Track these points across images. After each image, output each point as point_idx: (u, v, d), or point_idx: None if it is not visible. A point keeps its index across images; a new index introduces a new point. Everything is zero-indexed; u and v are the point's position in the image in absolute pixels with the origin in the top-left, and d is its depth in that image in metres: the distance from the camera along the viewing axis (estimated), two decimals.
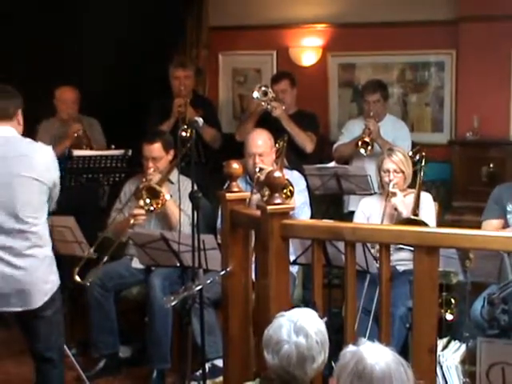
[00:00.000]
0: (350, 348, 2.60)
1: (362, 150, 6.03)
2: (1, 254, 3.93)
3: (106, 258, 4.99)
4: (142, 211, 5.20)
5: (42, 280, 4.04)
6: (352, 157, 6.25)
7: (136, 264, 5.35)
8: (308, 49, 7.28)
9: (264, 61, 7.49)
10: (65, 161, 5.90)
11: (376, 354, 2.57)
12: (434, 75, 7.07)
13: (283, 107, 6.22)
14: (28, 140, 4.10)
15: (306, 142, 6.24)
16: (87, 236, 5.15)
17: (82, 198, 6.10)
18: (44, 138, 6.35)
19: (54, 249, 5.16)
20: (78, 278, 4.88)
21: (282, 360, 2.83)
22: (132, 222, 5.21)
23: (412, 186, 5.27)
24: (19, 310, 4.00)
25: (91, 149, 6.27)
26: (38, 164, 4.00)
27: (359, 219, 5.23)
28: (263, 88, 6.19)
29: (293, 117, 6.26)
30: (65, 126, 6.43)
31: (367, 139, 6.02)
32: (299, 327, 2.85)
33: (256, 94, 6.18)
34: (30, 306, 4.00)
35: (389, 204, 5.07)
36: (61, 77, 6.58)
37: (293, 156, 6.01)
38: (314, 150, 6.27)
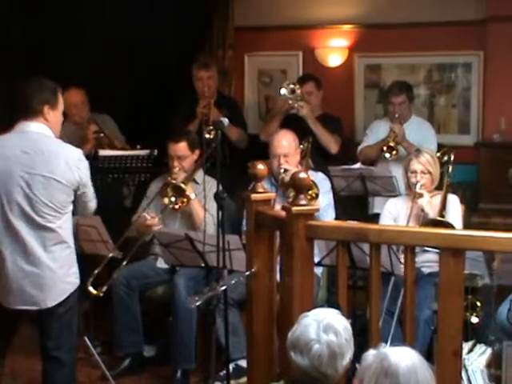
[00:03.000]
0: (372, 351, 2.62)
1: (387, 155, 6.00)
2: (22, 251, 3.95)
3: (128, 257, 5.01)
4: (155, 221, 5.21)
5: (61, 280, 4.05)
6: (377, 158, 6.23)
7: (161, 264, 5.37)
8: (334, 50, 7.27)
9: (290, 62, 7.49)
10: (90, 161, 5.93)
11: (399, 352, 2.61)
12: (461, 76, 7.03)
13: (309, 107, 6.21)
14: (55, 140, 4.10)
15: (331, 144, 6.23)
16: (113, 236, 5.17)
17: (107, 197, 6.12)
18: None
19: (78, 248, 5.21)
20: (92, 289, 4.85)
21: (313, 360, 2.82)
22: (156, 220, 5.24)
23: (439, 187, 5.24)
24: (35, 308, 4.02)
25: (113, 147, 6.27)
26: (60, 165, 3.99)
27: (386, 220, 5.21)
28: (291, 85, 6.18)
29: (318, 120, 6.25)
30: (81, 130, 6.40)
31: (392, 143, 5.99)
32: (327, 325, 2.85)
33: (284, 91, 6.17)
34: (45, 305, 4.02)
35: (415, 205, 5.05)
36: (83, 76, 6.59)
37: (318, 157, 6.00)
38: (338, 151, 6.26)
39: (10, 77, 5.44)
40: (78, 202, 4.17)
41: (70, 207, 4.12)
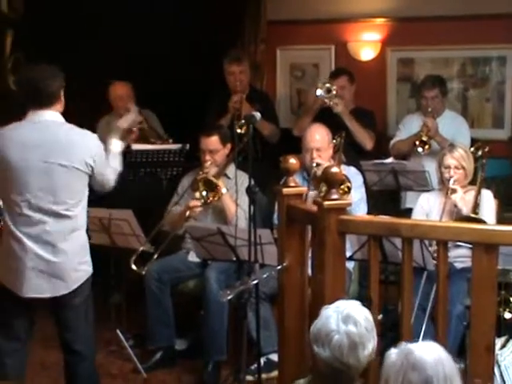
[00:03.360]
0: (394, 349, 2.62)
1: (420, 149, 5.96)
2: (39, 238, 3.96)
3: (160, 250, 5.05)
4: (198, 203, 5.23)
5: (75, 268, 4.06)
6: (410, 153, 6.19)
7: (192, 258, 5.39)
8: (367, 43, 7.23)
9: (322, 55, 7.46)
10: (123, 155, 5.96)
11: (424, 346, 2.63)
12: (495, 70, 6.97)
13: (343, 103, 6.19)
14: (69, 126, 4.08)
15: (366, 140, 6.21)
16: (149, 231, 5.19)
17: (146, 191, 6.15)
18: (105, 133, 6.42)
19: (110, 241, 5.26)
20: (134, 266, 4.93)
21: (334, 350, 2.82)
22: (188, 213, 5.24)
23: (473, 182, 5.20)
24: (49, 296, 4.03)
25: (161, 140, 6.29)
26: (76, 151, 4.00)
27: (418, 215, 5.19)
28: (327, 85, 6.15)
29: (351, 114, 6.23)
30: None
31: (425, 138, 5.95)
32: (346, 316, 2.86)
33: (319, 92, 6.13)
34: (59, 292, 4.03)
35: (449, 201, 5.02)
36: (118, 71, 6.63)
37: (351, 151, 5.98)
38: (373, 146, 6.24)
39: None
40: (95, 181, 4.17)
41: (86, 194, 4.13)
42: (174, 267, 5.43)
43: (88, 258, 4.17)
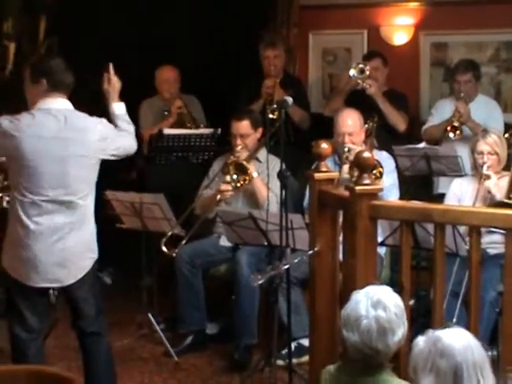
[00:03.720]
0: (421, 337, 2.61)
1: (451, 135, 5.90)
2: (50, 228, 3.95)
3: (190, 233, 5.07)
4: (229, 187, 5.23)
5: (81, 256, 4.07)
6: (442, 138, 6.14)
7: (224, 242, 5.40)
8: (400, 27, 7.17)
9: (354, 40, 7.41)
10: (156, 139, 5.98)
11: (452, 333, 2.61)
12: None
13: (377, 85, 6.16)
14: (82, 114, 4.08)
15: (399, 121, 6.17)
16: (180, 215, 5.21)
17: (177, 175, 6.18)
18: (147, 116, 6.47)
19: (143, 225, 5.28)
20: (164, 249, 4.96)
21: (363, 335, 2.82)
22: (218, 197, 5.25)
23: (506, 168, 5.15)
24: (58, 285, 4.05)
25: (196, 126, 6.31)
26: (91, 138, 4.01)
27: (450, 200, 5.15)
28: (360, 65, 6.12)
29: (384, 96, 6.20)
30: (167, 105, 6.47)
31: (456, 123, 5.89)
32: (376, 301, 2.84)
33: (352, 72, 6.11)
34: (68, 281, 4.04)
35: (482, 186, 4.98)
36: (155, 56, 6.64)
37: (383, 136, 5.95)
38: (406, 129, 6.20)
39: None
40: (116, 155, 4.18)
41: (95, 183, 4.12)
42: (206, 251, 5.45)
43: (95, 246, 4.16)
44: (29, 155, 3.88)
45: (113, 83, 4.34)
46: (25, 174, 3.91)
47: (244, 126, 5.42)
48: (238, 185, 5.24)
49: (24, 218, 3.93)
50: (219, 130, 6.00)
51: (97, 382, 4.23)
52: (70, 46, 6.76)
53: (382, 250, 5.02)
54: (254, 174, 5.24)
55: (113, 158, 4.18)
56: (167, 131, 6.03)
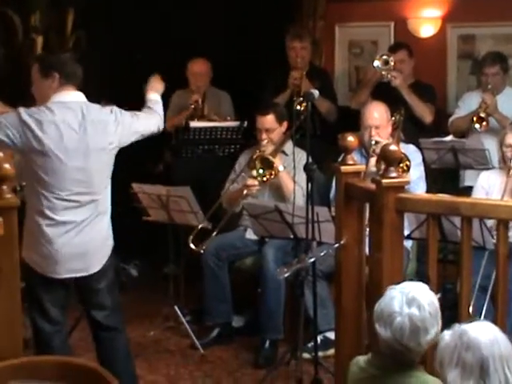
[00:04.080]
0: (447, 331, 2.59)
1: (477, 126, 5.86)
2: (70, 220, 3.95)
3: (218, 228, 5.07)
4: (256, 182, 5.23)
5: (102, 245, 4.09)
6: (468, 130, 6.10)
7: (250, 235, 5.40)
8: (427, 20, 7.12)
9: (381, 32, 7.38)
10: (182, 132, 5.99)
11: (478, 326, 2.60)
12: None
13: (402, 77, 6.13)
14: (96, 106, 4.08)
15: (426, 113, 6.14)
16: (206, 207, 5.22)
17: (203, 168, 6.19)
18: (174, 105, 6.49)
19: (169, 218, 5.30)
20: (192, 246, 4.97)
21: (395, 332, 2.81)
22: (245, 192, 5.25)
23: None
24: (82, 275, 4.04)
25: (209, 120, 6.31)
26: (109, 129, 4.02)
27: (478, 193, 5.12)
28: (384, 57, 6.10)
29: (410, 88, 6.17)
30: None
31: (483, 114, 5.84)
32: (411, 299, 2.83)
33: (377, 63, 6.10)
34: (92, 270, 4.05)
35: (510, 180, 4.95)
36: (176, 51, 6.65)
37: (410, 129, 5.92)
38: (432, 120, 6.17)
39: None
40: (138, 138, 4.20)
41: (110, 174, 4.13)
42: (232, 244, 5.46)
43: (111, 233, 4.16)
44: (51, 151, 3.87)
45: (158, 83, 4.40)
46: (46, 168, 3.89)
47: (269, 120, 5.41)
48: (265, 179, 5.24)
49: (47, 212, 3.92)
50: (245, 123, 6.00)
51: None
52: (97, 40, 6.81)
53: (408, 244, 5.00)
54: (280, 168, 5.24)
55: (136, 139, 4.17)
56: (193, 124, 6.05)
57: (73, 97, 4.00)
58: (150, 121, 4.29)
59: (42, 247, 3.95)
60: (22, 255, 3.94)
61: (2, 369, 3.23)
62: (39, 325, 4.09)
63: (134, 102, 4.28)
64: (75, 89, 4.02)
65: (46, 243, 3.94)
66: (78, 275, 4.04)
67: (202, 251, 5.10)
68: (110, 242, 4.15)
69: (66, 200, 3.93)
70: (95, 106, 4.06)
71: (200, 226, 5.11)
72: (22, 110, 3.93)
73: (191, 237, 5.04)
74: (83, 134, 3.93)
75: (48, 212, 3.93)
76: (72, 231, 3.96)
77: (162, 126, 4.35)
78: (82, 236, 3.98)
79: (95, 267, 4.06)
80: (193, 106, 6.37)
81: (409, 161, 4.95)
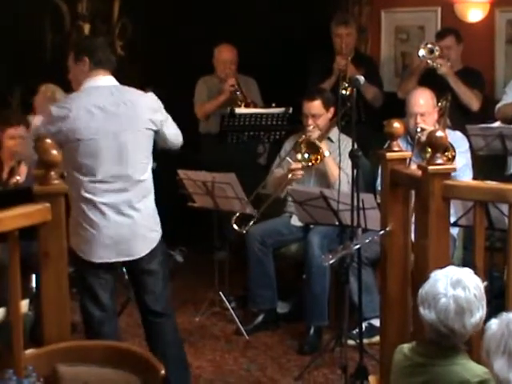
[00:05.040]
0: (494, 320, 2.58)
1: None
2: (114, 204, 3.97)
3: (260, 211, 5.10)
4: (299, 165, 5.23)
5: (148, 229, 4.09)
6: None
7: (295, 221, 5.41)
8: (474, 4, 7.03)
9: (428, 17, 7.31)
10: (227, 119, 6.00)
11: None
12: None
13: (448, 64, 6.07)
14: (129, 88, 4.09)
15: (472, 100, 6.08)
16: (247, 193, 5.24)
17: (242, 155, 6.19)
18: (201, 92, 6.51)
19: (215, 204, 5.32)
20: (235, 226, 4.99)
21: (440, 313, 2.80)
22: (290, 176, 5.25)
23: None
24: (127, 259, 4.06)
25: (247, 105, 6.31)
26: (144, 109, 4.02)
27: None
28: (429, 45, 6.05)
29: (458, 74, 6.10)
30: (222, 84, 6.47)
31: None
32: (456, 280, 2.82)
33: (422, 52, 6.05)
34: (138, 254, 4.05)
35: None
36: (220, 34, 6.65)
37: (456, 115, 5.86)
38: (480, 107, 6.10)
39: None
40: (158, 138, 4.17)
41: (151, 156, 4.13)
42: (277, 231, 5.46)
43: (158, 219, 4.17)
44: (84, 135, 3.90)
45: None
46: (83, 153, 3.92)
47: (316, 105, 5.40)
48: (310, 164, 5.23)
49: (88, 197, 3.95)
50: (290, 109, 5.99)
51: (167, 367, 4.25)
52: (143, 27, 6.84)
53: (454, 231, 4.97)
54: (326, 153, 5.23)
55: (164, 135, 4.15)
56: (239, 111, 6.05)
57: (104, 81, 4.02)
58: (179, 133, 4.28)
59: (86, 232, 3.98)
60: (70, 243, 3.98)
61: (50, 352, 3.28)
62: (90, 311, 4.11)
63: (176, 89, 4.28)
64: (107, 73, 4.03)
65: (89, 227, 3.97)
66: (125, 259, 4.06)
67: (244, 232, 5.12)
68: (157, 227, 4.16)
69: (104, 182, 3.95)
70: (128, 88, 4.08)
71: (243, 211, 5.14)
72: (52, 108, 4.00)
73: (234, 217, 5.07)
74: (115, 116, 3.95)
75: (88, 196, 3.95)
76: (114, 214, 3.98)
77: (181, 143, 4.33)
78: (125, 218, 4.00)
79: (143, 251, 4.07)
80: (230, 91, 6.35)
81: (454, 150, 4.90)
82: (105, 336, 4.06)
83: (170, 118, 4.19)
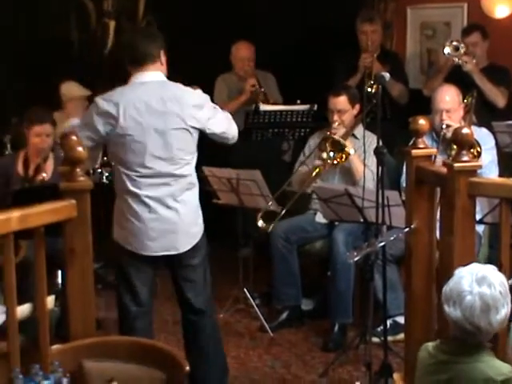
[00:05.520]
0: None
1: None
2: (159, 198, 3.99)
3: (286, 208, 5.09)
4: (321, 162, 5.23)
5: (191, 223, 4.10)
6: None
7: (320, 219, 5.40)
8: (501, 0, 6.99)
9: (454, 13, 7.26)
10: (252, 115, 6.00)
11: None
12: None
13: (474, 61, 6.03)
14: (175, 84, 4.09)
15: (498, 97, 6.03)
16: (272, 190, 5.24)
17: (267, 152, 6.19)
18: (221, 90, 6.51)
19: (239, 201, 5.33)
20: (260, 223, 4.99)
21: (465, 311, 2.79)
22: (314, 174, 5.25)
23: None
24: (173, 253, 4.07)
25: (268, 103, 6.31)
26: (189, 106, 4.01)
27: None
28: (454, 43, 6.01)
29: (484, 71, 6.06)
30: (241, 82, 6.48)
31: None
32: (481, 277, 2.81)
33: (447, 50, 6.01)
34: (183, 248, 4.08)
35: None
36: (239, 31, 6.66)
37: (482, 112, 5.83)
38: (506, 104, 6.06)
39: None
40: (210, 136, 4.18)
41: (196, 151, 4.13)
42: (301, 228, 5.46)
43: (201, 213, 4.19)
44: (130, 129, 3.93)
45: None
46: (127, 148, 3.96)
47: (341, 101, 5.39)
48: (335, 162, 5.22)
49: (133, 190, 3.99)
50: (315, 106, 5.99)
51: (202, 365, 4.24)
52: (168, 24, 6.85)
53: (480, 228, 4.94)
54: (351, 151, 5.21)
55: (211, 132, 4.15)
56: (263, 107, 6.05)
57: (149, 76, 4.04)
58: (233, 127, 4.28)
59: (131, 224, 4.02)
60: (114, 235, 4.09)
61: (76, 348, 3.30)
62: (126, 303, 4.14)
63: (201, 87, 4.29)
64: (149, 69, 4.03)
65: (134, 220, 4.01)
66: (168, 253, 4.08)
67: (269, 230, 5.12)
68: (200, 221, 4.18)
69: (149, 176, 3.98)
70: (173, 84, 4.09)
71: (268, 208, 5.14)
72: (98, 99, 4.02)
73: (260, 214, 5.07)
74: (160, 113, 3.96)
75: (133, 189, 3.99)
76: (158, 207, 4.00)
77: (236, 136, 4.34)
78: (169, 211, 4.02)
79: (186, 245, 4.09)
80: (251, 91, 6.35)
81: (480, 147, 4.87)
82: (138, 331, 4.08)
83: (219, 114, 4.19)
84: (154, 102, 3.96)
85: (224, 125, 4.21)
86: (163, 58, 4.10)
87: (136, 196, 3.99)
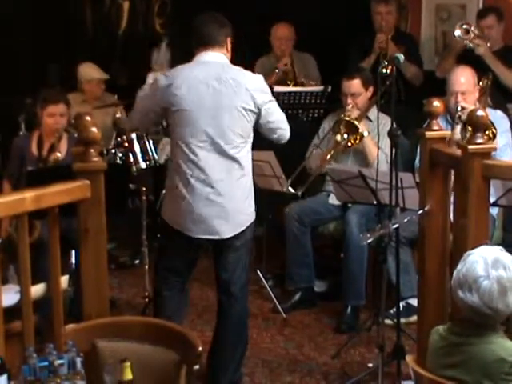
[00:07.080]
0: None
1: None
2: (209, 181, 4.01)
3: (306, 184, 5.15)
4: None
5: (241, 210, 4.11)
6: None
7: (333, 200, 5.40)
8: None
9: None
10: None
11: None
12: None
13: (488, 44, 5.98)
14: (236, 67, 4.14)
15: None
16: (285, 172, 5.24)
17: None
18: (259, 73, 6.49)
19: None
20: (291, 189, 5.12)
21: (483, 296, 2.79)
22: (329, 156, 5.25)
23: None
24: (216, 238, 4.08)
25: (296, 84, 6.31)
26: (246, 89, 4.03)
27: None
28: (465, 26, 5.97)
29: (498, 52, 6.01)
30: (277, 62, 6.51)
31: None
32: (495, 260, 2.81)
33: (458, 33, 5.96)
34: (226, 235, 4.08)
35: None
36: (273, 13, 6.64)
37: (497, 94, 5.79)
38: None
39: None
40: (264, 129, 4.19)
41: (251, 136, 4.14)
42: (315, 209, 5.46)
43: (253, 202, 4.19)
44: (183, 105, 3.99)
45: None
46: (182, 123, 4.01)
47: (355, 84, 5.38)
48: (349, 144, 5.21)
49: (184, 170, 4.02)
50: (329, 88, 5.97)
51: (222, 346, 4.28)
52: (182, 4, 6.84)
53: (494, 211, 4.93)
54: (365, 133, 5.20)
55: (266, 120, 4.14)
56: (277, 89, 6.04)
57: (211, 57, 4.10)
58: (286, 125, 4.27)
59: (180, 205, 4.05)
60: (161, 214, 4.17)
61: (90, 328, 3.31)
62: (162, 283, 4.21)
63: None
64: (211, 50, 4.10)
65: (183, 202, 4.03)
66: (213, 237, 4.09)
67: (299, 193, 5.19)
68: (251, 212, 4.17)
69: (198, 156, 3.99)
70: (234, 67, 4.14)
71: (281, 190, 5.16)
72: (159, 76, 4.14)
73: (289, 180, 5.11)
74: (216, 92, 4.00)
75: (184, 169, 4.02)
76: (209, 191, 4.01)
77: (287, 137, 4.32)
78: (220, 197, 4.03)
79: (231, 232, 4.10)
80: (283, 70, 6.36)
81: (495, 128, 4.85)
82: (167, 314, 4.11)
83: (276, 104, 4.22)
84: (211, 81, 4.00)
85: (279, 116, 4.23)
86: (229, 45, 4.16)
87: (186, 178, 4.02)
